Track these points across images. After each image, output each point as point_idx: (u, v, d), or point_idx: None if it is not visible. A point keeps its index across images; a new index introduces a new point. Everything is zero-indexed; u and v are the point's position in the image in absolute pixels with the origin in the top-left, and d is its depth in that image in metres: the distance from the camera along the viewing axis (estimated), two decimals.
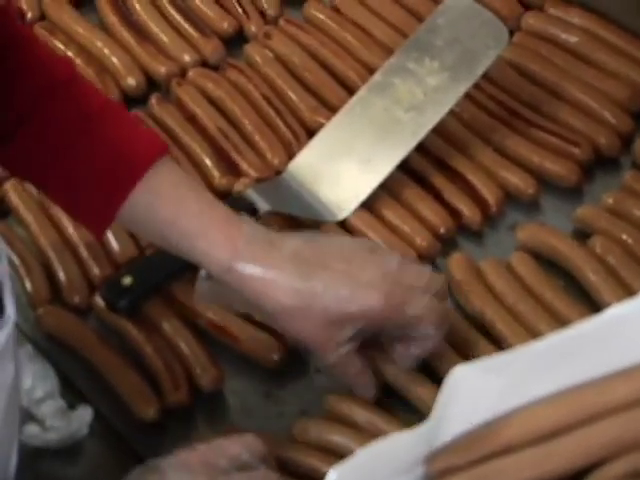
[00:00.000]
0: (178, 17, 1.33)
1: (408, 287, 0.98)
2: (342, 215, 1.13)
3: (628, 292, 0.99)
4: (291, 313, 0.97)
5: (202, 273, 1.02)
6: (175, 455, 0.89)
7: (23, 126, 1.00)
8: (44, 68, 1.00)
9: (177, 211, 0.99)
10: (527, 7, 1.29)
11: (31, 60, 0.99)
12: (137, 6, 1.35)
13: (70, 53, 1.30)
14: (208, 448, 0.90)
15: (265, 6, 1.33)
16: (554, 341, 0.84)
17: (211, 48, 1.29)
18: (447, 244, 1.13)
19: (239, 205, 1.11)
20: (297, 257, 0.98)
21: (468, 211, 1.13)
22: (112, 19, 1.34)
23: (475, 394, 0.82)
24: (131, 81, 1.28)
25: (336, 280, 0.97)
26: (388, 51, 1.24)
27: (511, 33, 1.23)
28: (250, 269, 0.96)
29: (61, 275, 1.12)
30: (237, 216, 1.01)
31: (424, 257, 1.11)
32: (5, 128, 0.99)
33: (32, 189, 1.18)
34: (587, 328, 0.85)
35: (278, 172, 1.18)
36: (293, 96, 1.24)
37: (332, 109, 1.21)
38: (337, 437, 0.98)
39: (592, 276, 1.05)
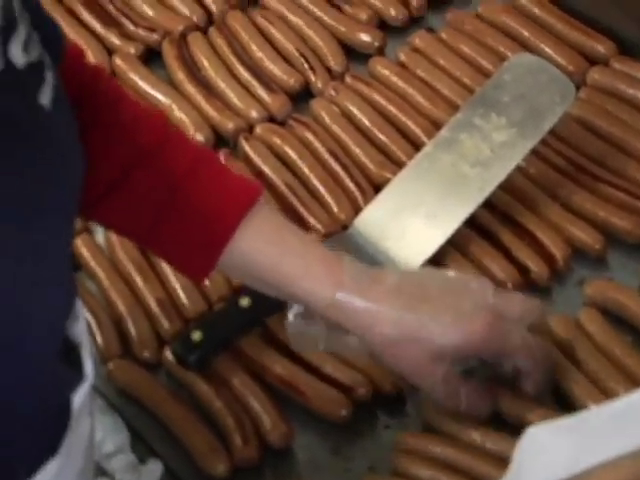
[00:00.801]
0: (245, 73, 1.35)
1: (506, 317, 0.98)
2: (416, 264, 1.13)
3: None
4: (396, 345, 0.97)
5: (290, 317, 1.03)
6: None
7: (115, 190, 1.02)
8: (136, 132, 1.02)
9: (280, 254, 1.01)
10: (592, 62, 1.29)
11: (123, 123, 1.02)
12: (205, 62, 1.36)
13: None
14: None
15: (331, 62, 1.34)
16: (631, 400, 0.84)
17: (278, 104, 1.30)
18: None
19: None
20: (399, 290, 0.98)
21: (535, 267, 1.12)
22: (180, 75, 1.35)
23: (550, 453, 0.80)
24: (199, 137, 1.28)
25: (439, 311, 0.97)
26: (454, 107, 1.25)
27: (577, 88, 1.23)
28: (355, 303, 0.97)
29: (131, 330, 1.13)
30: (337, 253, 1.03)
31: None
32: (96, 192, 1.00)
33: (102, 243, 1.21)
34: None
35: (345, 227, 1.18)
36: (359, 151, 1.25)
37: (398, 164, 1.22)
38: None
39: None
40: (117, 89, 1.08)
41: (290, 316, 1.04)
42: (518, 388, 1.01)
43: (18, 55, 0.80)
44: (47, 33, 0.90)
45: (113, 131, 1.01)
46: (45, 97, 0.82)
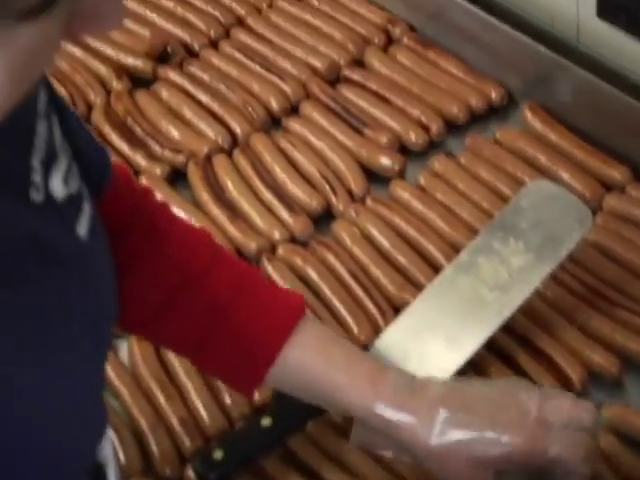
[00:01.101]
0: (268, 195, 1.36)
1: (549, 426, 0.98)
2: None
3: None
4: (438, 456, 0.98)
5: (354, 432, 1.06)
6: None
7: (164, 312, 1.03)
8: (184, 257, 1.04)
9: (325, 367, 1.02)
10: (608, 188, 1.30)
11: (171, 247, 1.03)
12: (229, 184, 1.38)
13: None
14: None
15: (352, 185, 1.36)
16: None
17: (300, 225, 1.32)
18: None
19: None
20: (443, 402, 0.99)
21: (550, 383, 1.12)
22: (205, 196, 1.37)
23: None
24: None
25: (482, 424, 0.98)
26: (473, 231, 1.26)
27: (593, 213, 1.23)
28: (397, 416, 0.98)
29: (153, 447, 1.13)
30: (381, 365, 1.04)
31: None
32: (144, 313, 1.02)
33: (125, 361, 1.22)
34: None
35: (365, 347, 1.17)
36: (380, 273, 1.26)
37: (418, 286, 1.23)
38: None
39: None
40: (165, 211, 1.09)
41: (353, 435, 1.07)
42: None
43: (58, 188, 0.82)
44: (91, 161, 0.93)
45: (161, 256, 1.02)
46: (82, 228, 0.84)
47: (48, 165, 0.82)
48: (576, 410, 1.00)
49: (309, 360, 1.03)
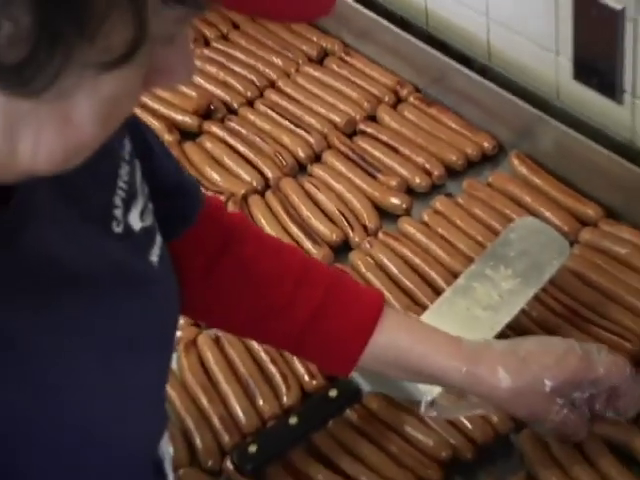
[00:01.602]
0: (295, 229, 1.36)
1: (593, 356, 1.01)
2: (431, 396, 1.11)
3: None
4: (517, 395, 0.99)
5: (423, 405, 1.09)
6: None
7: (259, 328, 1.04)
8: (274, 283, 1.04)
9: (412, 341, 1.03)
10: (584, 224, 1.29)
11: (257, 277, 1.03)
12: (262, 220, 1.38)
13: None
14: None
15: (366, 221, 1.36)
16: None
17: (322, 255, 1.31)
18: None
19: (347, 386, 1.13)
20: (508, 353, 1.01)
21: None
22: None
23: None
24: None
25: (542, 361, 1.00)
26: (469, 259, 1.26)
27: (571, 245, 1.24)
28: (480, 369, 0.99)
29: (198, 442, 1.14)
30: (452, 335, 1.05)
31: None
32: (242, 331, 1.06)
33: (175, 369, 1.21)
34: None
35: None
36: (389, 295, 1.25)
37: (422, 306, 1.22)
38: None
39: None
40: (254, 239, 1.08)
41: (422, 409, 1.09)
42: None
43: (135, 222, 0.83)
44: (183, 194, 0.96)
45: (248, 286, 1.03)
46: (154, 255, 0.85)
47: (128, 203, 0.82)
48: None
49: (396, 338, 1.03)
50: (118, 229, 0.81)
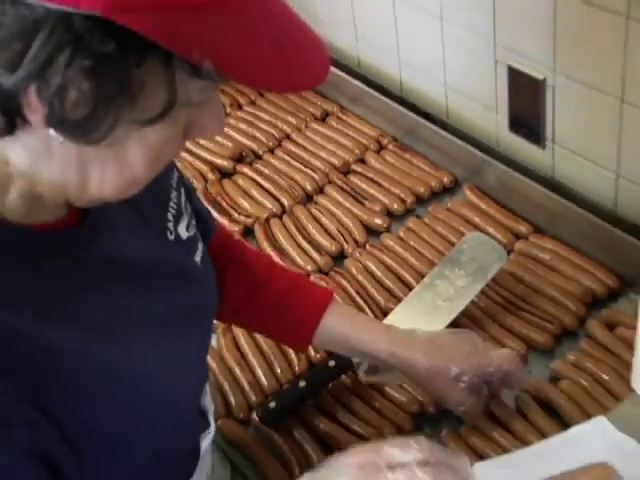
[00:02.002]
0: (305, 243, 1.36)
1: (488, 349, 1.01)
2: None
3: (586, 416, 0.97)
4: (430, 375, 0.98)
5: (360, 372, 1.08)
6: (336, 458, 0.71)
7: (243, 308, 1.04)
8: (251, 267, 1.04)
9: (352, 329, 1.01)
10: (518, 237, 1.29)
11: (250, 271, 1.04)
12: (280, 237, 1.38)
13: None
14: (368, 449, 0.70)
15: (357, 236, 1.36)
16: (540, 446, 0.84)
17: (324, 262, 1.32)
18: None
19: (342, 358, 1.12)
20: (428, 342, 0.99)
21: None
22: (265, 244, 1.36)
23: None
24: None
25: (454, 352, 0.99)
26: (432, 264, 1.26)
27: (508, 253, 1.25)
28: (405, 354, 0.98)
29: (231, 400, 1.15)
30: (389, 325, 1.06)
31: None
32: (229, 310, 1.02)
33: (215, 346, 1.22)
34: (559, 440, 0.86)
35: None
36: (374, 291, 1.26)
37: (398, 299, 1.23)
38: None
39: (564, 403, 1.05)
40: (247, 248, 1.10)
41: (360, 373, 1.09)
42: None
43: (183, 232, 0.84)
44: (202, 219, 0.94)
45: (246, 278, 1.03)
46: (198, 257, 0.86)
47: (177, 218, 0.84)
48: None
49: (340, 324, 1.02)
50: (171, 237, 0.82)
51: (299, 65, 0.59)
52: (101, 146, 0.58)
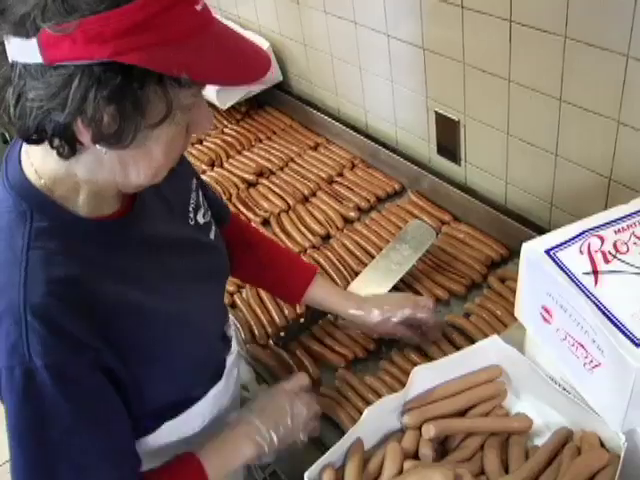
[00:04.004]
0: (303, 228, 1.35)
1: (419, 301, 0.99)
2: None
3: (486, 337, 0.95)
4: (381, 323, 0.97)
5: (339, 321, 1.06)
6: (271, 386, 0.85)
7: (256, 278, 1.01)
8: (261, 247, 1.02)
9: (328, 295, 1.00)
10: (443, 223, 1.29)
11: (254, 247, 1.01)
12: (287, 225, 1.36)
13: None
14: (287, 382, 0.86)
15: (338, 224, 1.35)
16: (456, 356, 0.84)
17: (316, 240, 1.31)
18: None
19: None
20: (379, 302, 0.99)
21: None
22: (277, 230, 1.35)
23: (424, 379, 0.81)
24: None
25: (390, 303, 0.99)
26: (387, 241, 1.26)
27: (437, 234, 1.24)
28: (358, 312, 0.98)
29: (255, 331, 1.14)
30: (349, 292, 1.04)
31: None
32: (248, 272, 0.99)
33: (245, 295, 1.20)
34: (468, 351, 0.85)
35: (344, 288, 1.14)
36: (349, 259, 1.25)
37: (364, 264, 1.22)
38: None
39: (472, 329, 1.03)
40: (250, 228, 1.07)
41: (339, 321, 1.08)
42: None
43: (200, 219, 0.82)
44: (216, 206, 0.91)
45: (251, 254, 1.00)
46: (212, 235, 0.83)
47: (196, 210, 0.82)
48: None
49: (319, 292, 1.00)
50: (191, 222, 0.80)
51: (247, 65, 0.58)
52: (131, 148, 0.58)
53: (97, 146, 0.57)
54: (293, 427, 0.80)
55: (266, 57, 0.60)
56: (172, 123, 0.59)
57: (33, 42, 0.51)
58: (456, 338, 1.05)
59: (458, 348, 1.00)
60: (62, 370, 0.58)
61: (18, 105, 0.54)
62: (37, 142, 0.58)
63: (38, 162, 0.62)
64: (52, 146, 0.58)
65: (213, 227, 0.86)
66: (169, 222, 0.77)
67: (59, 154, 0.58)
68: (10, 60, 0.54)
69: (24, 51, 0.52)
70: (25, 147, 0.64)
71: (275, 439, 0.78)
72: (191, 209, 0.82)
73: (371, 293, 1.09)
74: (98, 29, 0.50)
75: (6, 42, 0.54)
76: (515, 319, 0.84)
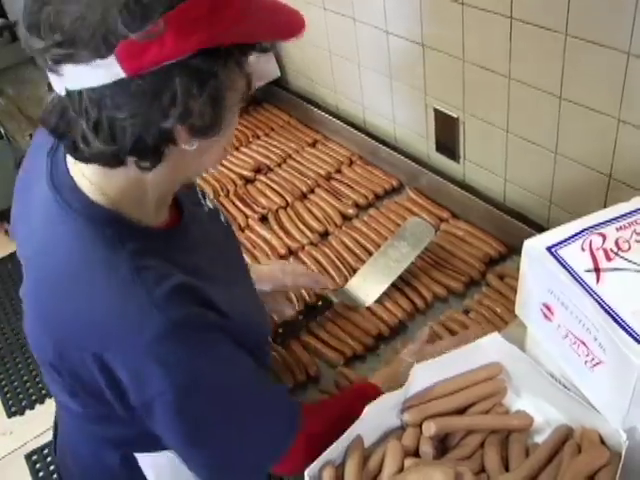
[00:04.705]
0: (301, 225, 1.34)
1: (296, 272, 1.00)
2: (369, 302, 1.12)
3: (486, 334, 0.96)
4: (269, 297, 0.97)
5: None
6: None
7: None
8: None
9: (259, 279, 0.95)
10: (442, 220, 1.28)
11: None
12: (285, 221, 1.36)
13: None
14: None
15: (336, 220, 1.34)
16: (457, 352, 0.82)
17: (314, 237, 1.31)
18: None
19: (325, 299, 1.12)
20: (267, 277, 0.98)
21: (419, 300, 1.12)
22: (276, 227, 1.34)
23: (425, 376, 0.80)
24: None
25: (277, 277, 0.99)
26: (385, 238, 1.26)
27: (436, 231, 1.24)
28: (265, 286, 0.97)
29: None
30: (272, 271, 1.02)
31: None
32: None
33: None
34: (469, 348, 0.84)
35: (341, 286, 1.17)
36: (347, 256, 1.25)
37: (362, 262, 1.22)
38: None
39: (472, 325, 1.02)
40: None
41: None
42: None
43: (208, 204, 0.81)
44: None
45: None
46: (222, 218, 0.83)
47: (203, 197, 0.82)
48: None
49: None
50: (204, 209, 0.80)
51: (289, 23, 0.57)
52: (212, 140, 0.57)
53: (191, 142, 0.56)
54: None
55: (298, 13, 0.59)
56: (221, 138, 0.59)
57: (110, 60, 0.48)
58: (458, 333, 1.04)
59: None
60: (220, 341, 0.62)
61: (100, 132, 0.51)
62: (119, 164, 0.56)
63: (99, 178, 0.60)
64: (140, 164, 0.56)
65: (222, 214, 0.85)
66: (206, 219, 0.78)
67: (141, 167, 0.56)
68: (64, 91, 0.50)
69: (95, 74, 0.48)
70: (78, 164, 0.60)
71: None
72: (204, 204, 0.81)
73: (369, 290, 1.09)
74: (184, 22, 0.48)
75: (56, 74, 0.50)
76: (515, 316, 0.83)
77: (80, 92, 0.50)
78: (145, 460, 0.75)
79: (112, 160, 0.56)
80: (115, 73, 0.48)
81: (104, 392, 0.61)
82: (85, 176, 0.60)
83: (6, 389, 2.16)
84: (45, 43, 0.48)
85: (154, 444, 0.69)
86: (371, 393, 0.78)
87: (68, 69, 0.49)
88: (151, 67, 0.49)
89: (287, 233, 1.33)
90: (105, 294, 0.57)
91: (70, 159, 0.62)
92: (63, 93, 0.51)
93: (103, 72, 0.48)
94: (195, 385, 0.59)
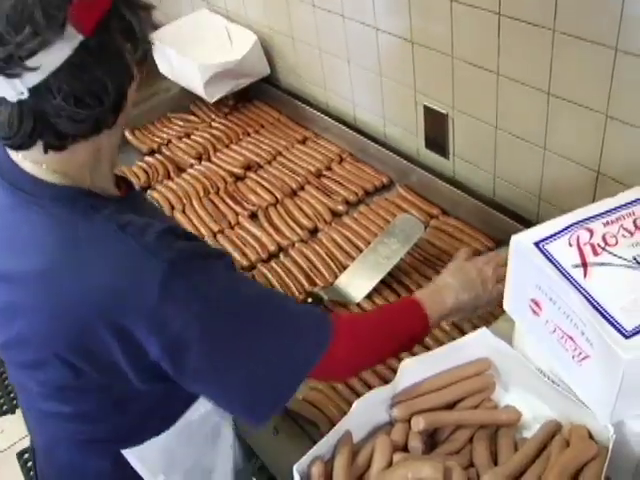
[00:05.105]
0: (291, 222, 1.33)
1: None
2: (359, 298, 1.12)
3: (476, 328, 0.94)
4: None
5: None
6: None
7: None
8: None
9: None
10: (431, 217, 1.28)
11: None
12: (274, 218, 1.35)
13: None
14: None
15: (326, 217, 1.34)
16: (446, 348, 0.81)
17: (304, 234, 1.30)
18: None
19: (315, 296, 1.12)
20: None
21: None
22: (266, 224, 1.34)
23: (413, 372, 0.80)
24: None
25: None
26: (375, 235, 1.25)
27: (425, 227, 1.24)
28: None
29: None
30: None
31: None
32: None
33: None
34: (457, 343, 0.83)
35: (331, 284, 1.17)
36: (337, 253, 1.25)
37: (353, 258, 1.22)
38: None
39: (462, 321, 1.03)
40: None
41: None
42: None
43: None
44: None
45: None
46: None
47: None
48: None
49: None
50: None
51: None
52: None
53: (136, 82, 0.58)
54: (484, 289, 0.88)
55: None
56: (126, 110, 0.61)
57: (69, 30, 0.50)
58: (446, 328, 1.05)
59: (447, 339, 1.01)
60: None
61: (83, 103, 0.53)
62: (98, 131, 0.58)
63: (54, 161, 0.60)
64: (104, 124, 0.57)
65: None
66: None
67: (109, 126, 0.58)
68: (27, 93, 0.51)
69: (60, 49, 0.50)
70: (26, 155, 0.61)
71: (467, 297, 0.86)
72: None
73: (359, 287, 1.09)
74: None
75: (15, 78, 0.51)
76: (503, 311, 0.83)
77: (46, 80, 0.51)
78: (132, 456, 0.75)
79: (94, 126, 0.57)
80: (75, 40, 0.51)
81: (119, 363, 0.61)
82: (37, 162, 0.61)
83: None
84: (18, 39, 0.49)
85: (142, 434, 0.70)
86: (412, 307, 0.81)
87: (40, 58, 0.50)
88: (101, 18, 0.52)
89: (277, 230, 1.33)
90: (101, 262, 0.58)
91: (13, 154, 0.62)
92: (25, 95, 0.51)
93: (66, 44, 0.50)
94: (214, 306, 0.60)
